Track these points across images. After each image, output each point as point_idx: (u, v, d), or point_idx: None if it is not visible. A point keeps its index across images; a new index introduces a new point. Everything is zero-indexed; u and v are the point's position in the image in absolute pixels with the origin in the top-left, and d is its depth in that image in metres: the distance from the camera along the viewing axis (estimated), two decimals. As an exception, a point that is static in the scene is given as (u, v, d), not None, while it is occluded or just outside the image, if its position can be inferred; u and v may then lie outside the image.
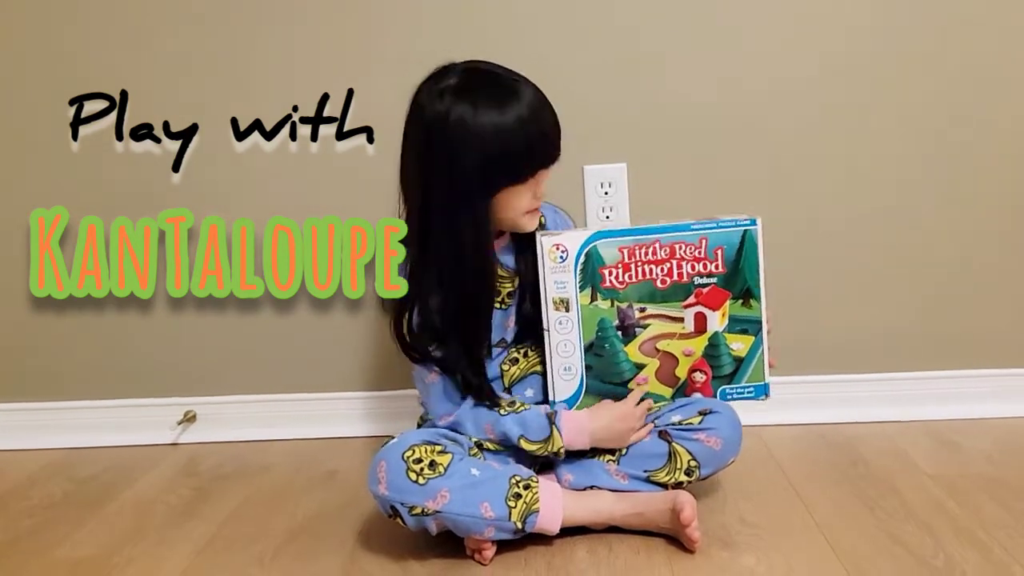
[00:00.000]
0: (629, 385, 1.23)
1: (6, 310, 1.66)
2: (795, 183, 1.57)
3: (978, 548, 1.11)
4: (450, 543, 1.16)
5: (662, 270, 1.20)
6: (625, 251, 1.20)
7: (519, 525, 1.12)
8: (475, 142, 1.08)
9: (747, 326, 1.21)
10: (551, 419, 1.18)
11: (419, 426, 1.31)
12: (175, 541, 1.25)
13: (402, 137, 1.17)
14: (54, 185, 1.61)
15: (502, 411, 1.19)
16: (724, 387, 1.23)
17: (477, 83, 1.11)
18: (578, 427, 1.19)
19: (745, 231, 1.20)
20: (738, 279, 1.21)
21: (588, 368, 1.22)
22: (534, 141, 1.11)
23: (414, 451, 1.12)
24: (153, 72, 1.58)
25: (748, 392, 1.23)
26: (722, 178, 1.57)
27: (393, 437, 1.16)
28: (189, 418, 1.65)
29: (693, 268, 1.20)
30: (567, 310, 1.21)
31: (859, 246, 1.58)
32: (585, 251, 1.19)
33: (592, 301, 1.21)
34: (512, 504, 1.12)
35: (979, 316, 1.59)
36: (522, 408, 1.20)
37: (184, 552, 1.21)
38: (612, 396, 1.23)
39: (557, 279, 1.20)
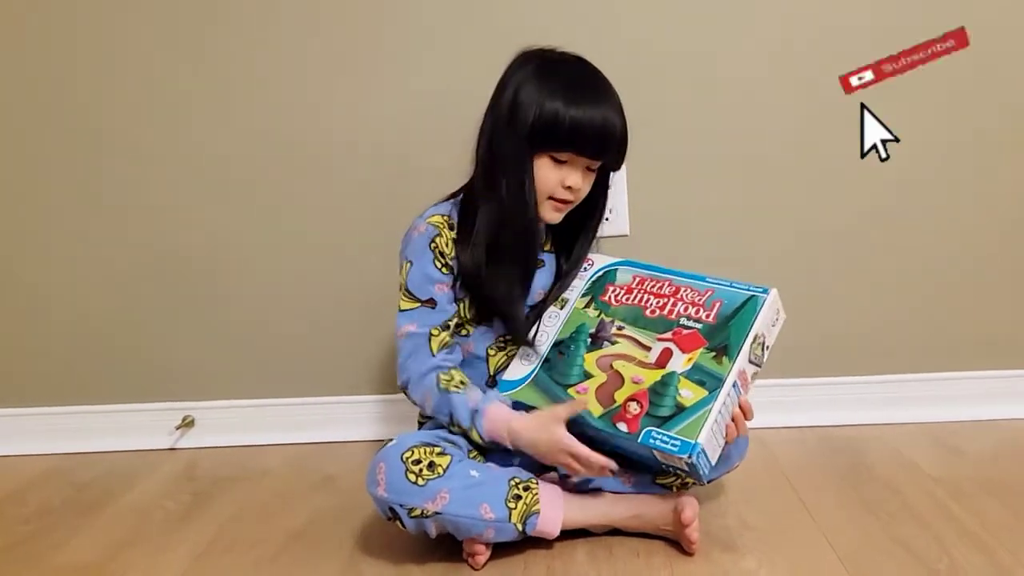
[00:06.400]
0: (569, 391, 1.18)
1: (3, 314, 1.65)
2: (795, 183, 1.57)
3: (982, 551, 1.10)
4: (448, 547, 1.16)
5: (658, 303, 1.22)
6: (637, 279, 1.26)
7: (519, 527, 1.12)
8: (537, 101, 1.17)
9: (707, 380, 1.11)
10: (473, 416, 1.17)
11: (419, 427, 1.30)
12: (173, 546, 1.24)
13: (488, 106, 1.24)
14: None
15: (441, 386, 1.19)
16: (652, 428, 1.10)
17: (565, 62, 1.23)
18: (499, 419, 1.16)
19: (752, 296, 1.18)
20: (721, 333, 1.16)
21: (546, 361, 1.23)
22: (583, 124, 1.17)
23: (413, 452, 1.12)
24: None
25: (673, 445, 1.07)
26: (723, 178, 1.57)
27: (392, 440, 1.15)
28: (187, 423, 1.65)
29: (685, 310, 1.20)
30: (561, 308, 1.28)
31: (860, 247, 1.58)
32: (606, 270, 1.29)
33: (585, 307, 1.26)
34: (512, 505, 1.12)
35: (982, 318, 1.58)
36: (455, 389, 1.18)
37: (182, 557, 1.20)
38: (551, 398, 1.19)
39: (572, 283, 1.30)
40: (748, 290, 1.19)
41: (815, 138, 1.55)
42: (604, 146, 1.20)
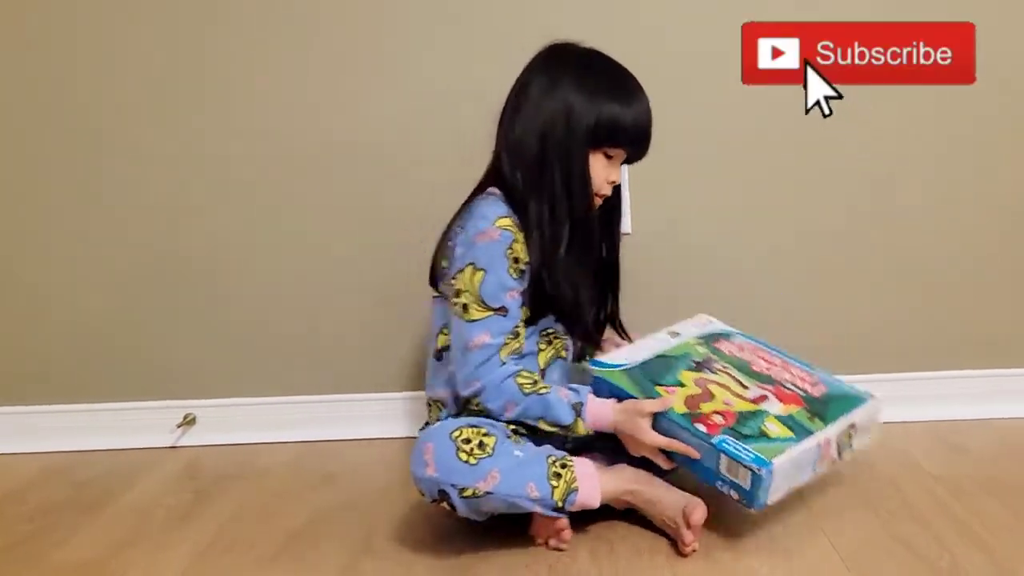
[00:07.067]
0: (658, 388, 1.21)
1: (3, 313, 1.65)
2: (796, 184, 1.57)
3: (982, 549, 1.11)
4: (449, 546, 1.16)
5: (766, 365, 1.28)
6: (750, 346, 1.33)
7: (560, 504, 1.13)
8: (591, 110, 1.20)
9: (796, 428, 1.14)
10: (577, 409, 1.19)
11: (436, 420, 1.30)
12: (174, 544, 1.24)
13: (516, 94, 1.25)
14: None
15: (526, 390, 1.19)
16: (729, 436, 1.12)
17: (600, 58, 1.25)
18: (603, 415, 1.20)
19: (857, 394, 1.20)
20: (820, 405, 1.19)
21: (645, 364, 1.26)
22: (641, 123, 1.22)
23: (461, 432, 1.13)
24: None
25: (747, 455, 1.09)
26: (723, 180, 1.57)
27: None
28: (188, 421, 1.64)
29: (791, 378, 1.25)
30: (672, 337, 1.33)
31: (860, 247, 1.58)
32: (723, 331, 1.36)
33: (696, 345, 1.32)
34: (554, 484, 1.13)
35: (982, 317, 1.58)
36: (544, 391, 1.20)
37: (183, 555, 1.20)
38: (640, 388, 1.21)
39: (689, 325, 1.36)
40: (854, 389, 1.22)
41: (815, 138, 1.55)
42: (649, 142, 1.25)
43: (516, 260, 1.20)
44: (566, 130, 1.20)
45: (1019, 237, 1.57)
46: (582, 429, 1.20)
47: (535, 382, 1.20)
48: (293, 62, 1.57)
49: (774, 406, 1.18)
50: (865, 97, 1.53)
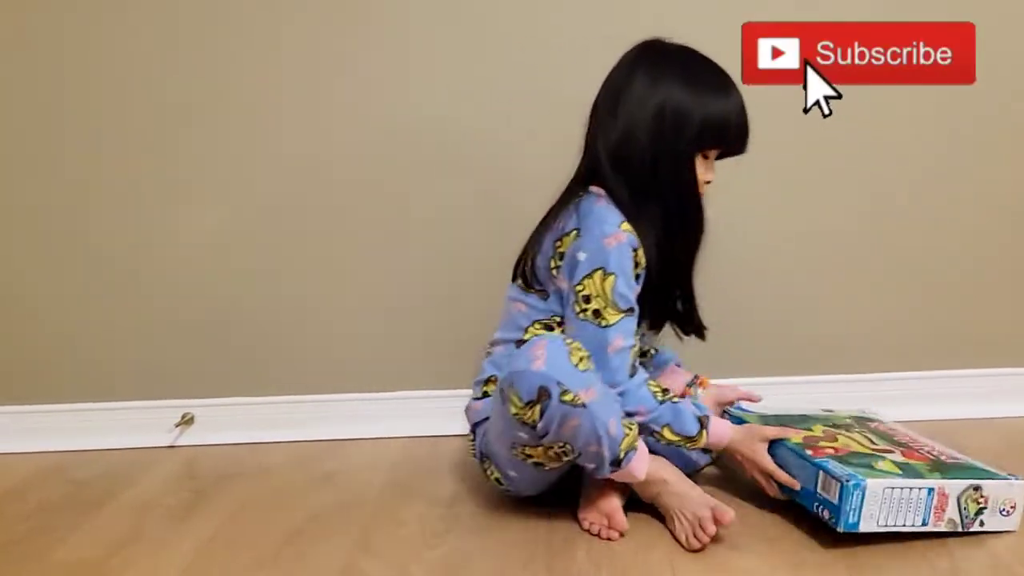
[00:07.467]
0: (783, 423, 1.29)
1: (1, 313, 1.65)
2: (795, 184, 1.57)
3: (981, 548, 1.11)
4: (448, 546, 1.16)
5: (910, 439, 1.29)
6: (902, 430, 1.34)
7: (621, 455, 1.14)
8: (698, 109, 1.19)
9: (908, 470, 1.14)
10: (703, 423, 1.22)
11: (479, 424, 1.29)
12: (174, 543, 1.24)
13: (612, 94, 1.22)
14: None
15: (659, 397, 1.21)
16: (832, 460, 1.15)
17: (697, 55, 1.24)
18: (721, 433, 1.24)
19: (996, 473, 1.18)
20: (944, 466, 1.18)
21: (782, 414, 1.35)
22: (744, 121, 1.22)
23: (574, 342, 1.14)
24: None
25: (842, 471, 1.11)
26: (722, 179, 1.56)
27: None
28: (187, 420, 1.64)
29: (931, 446, 1.26)
30: (824, 411, 1.42)
31: (860, 247, 1.58)
32: (880, 417, 1.42)
33: (844, 416, 1.39)
34: (628, 431, 1.14)
35: (982, 316, 1.59)
36: (675, 400, 1.22)
37: (183, 554, 1.20)
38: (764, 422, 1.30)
39: (846, 408, 1.44)
40: (995, 469, 1.20)
41: (815, 138, 1.55)
42: (748, 138, 1.24)
43: (637, 264, 1.21)
44: (675, 129, 1.19)
45: (1019, 237, 1.57)
46: (703, 442, 1.23)
47: (665, 390, 1.23)
48: (294, 63, 1.58)
49: (896, 456, 1.20)
50: (865, 97, 1.53)
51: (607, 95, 1.24)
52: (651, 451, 1.23)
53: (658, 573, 1.09)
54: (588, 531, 1.20)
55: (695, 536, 1.14)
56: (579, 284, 1.19)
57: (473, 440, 1.30)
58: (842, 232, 1.57)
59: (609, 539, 1.18)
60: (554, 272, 1.23)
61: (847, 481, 1.08)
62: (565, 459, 1.16)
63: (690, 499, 1.18)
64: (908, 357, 1.60)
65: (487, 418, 1.25)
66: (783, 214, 1.58)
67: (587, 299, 1.18)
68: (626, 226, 1.19)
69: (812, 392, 1.59)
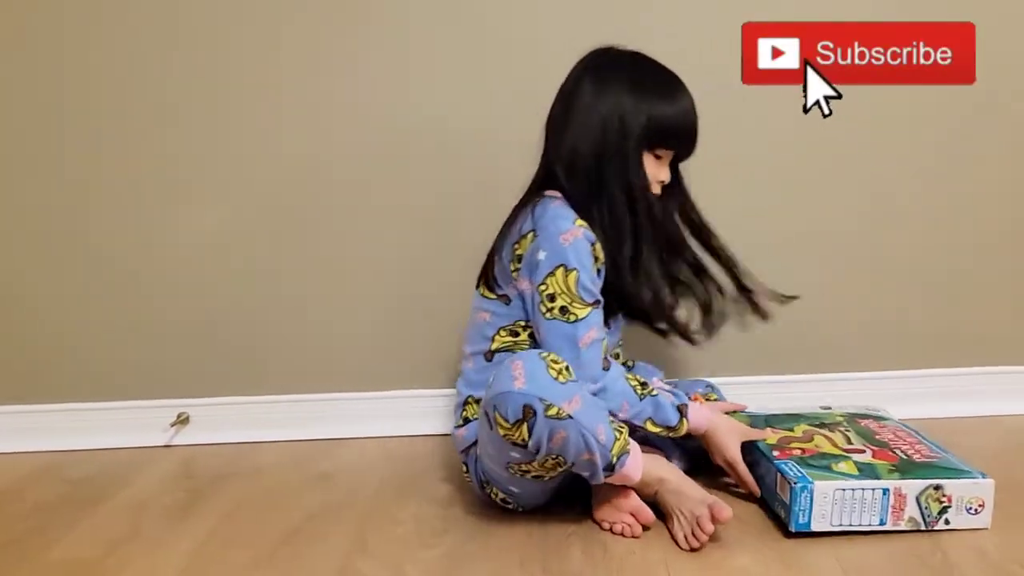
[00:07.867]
0: (768, 429, 1.33)
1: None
2: (795, 184, 1.57)
3: (978, 546, 1.10)
4: (447, 545, 1.16)
5: (892, 437, 1.30)
6: (891, 428, 1.34)
7: (614, 460, 1.14)
8: (644, 112, 1.22)
9: (867, 471, 1.16)
10: (682, 411, 1.23)
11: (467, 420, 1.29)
12: (170, 542, 1.23)
13: (565, 99, 1.26)
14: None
15: (639, 392, 1.21)
16: (792, 462, 1.19)
17: (647, 60, 1.27)
18: (701, 419, 1.26)
19: (965, 470, 1.18)
20: (912, 466, 1.18)
21: (772, 415, 1.39)
22: (682, 124, 1.25)
23: (549, 354, 1.14)
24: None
25: (794, 473, 1.15)
26: (723, 179, 1.56)
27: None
28: (182, 420, 1.64)
29: (905, 446, 1.26)
30: (822, 408, 1.45)
31: (861, 247, 1.58)
32: (879, 413, 1.43)
33: (836, 415, 1.41)
34: (617, 435, 1.14)
35: (983, 314, 1.59)
36: (654, 392, 1.23)
37: (179, 553, 1.20)
38: (750, 419, 1.35)
39: (848, 405, 1.46)
40: (965, 465, 1.20)
41: (815, 138, 1.55)
42: (696, 140, 1.27)
43: (596, 259, 1.22)
44: (620, 134, 1.21)
45: (1019, 237, 1.57)
46: (684, 430, 1.23)
47: (644, 384, 1.24)
48: (293, 62, 1.57)
49: (863, 457, 1.21)
50: (865, 97, 1.53)
51: (558, 104, 1.27)
52: (650, 444, 1.23)
53: (654, 572, 1.09)
54: (611, 531, 1.19)
55: (693, 535, 1.13)
56: (542, 284, 1.20)
57: (467, 471, 1.29)
58: (842, 232, 1.57)
59: (635, 536, 1.18)
60: (514, 275, 1.24)
61: (795, 483, 1.13)
62: (560, 469, 1.16)
63: (688, 497, 1.17)
64: (908, 356, 1.60)
65: (474, 443, 1.25)
66: (783, 214, 1.58)
67: (552, 297, 1.19)
68: (581, 222, 1.20)
69: (812, 391, 1.59)
